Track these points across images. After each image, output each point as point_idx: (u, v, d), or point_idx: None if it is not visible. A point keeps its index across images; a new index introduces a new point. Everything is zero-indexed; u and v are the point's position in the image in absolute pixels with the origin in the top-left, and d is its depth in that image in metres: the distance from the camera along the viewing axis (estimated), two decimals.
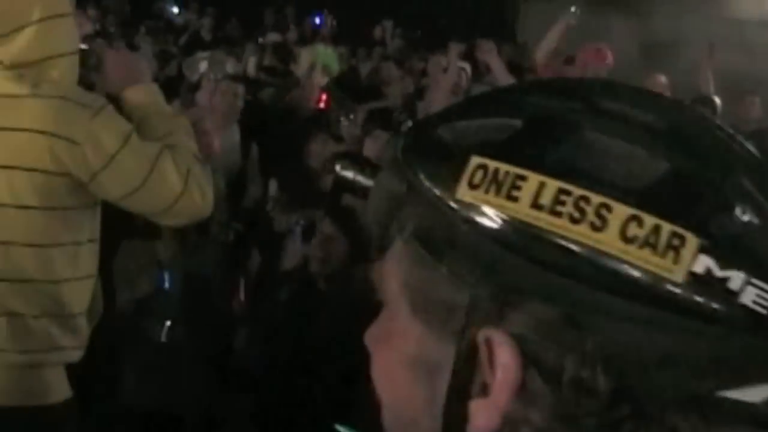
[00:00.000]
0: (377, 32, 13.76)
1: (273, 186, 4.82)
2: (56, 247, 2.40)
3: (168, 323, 4.07)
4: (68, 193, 2.38)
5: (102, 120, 2.38)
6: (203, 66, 7.75)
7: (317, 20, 14.50)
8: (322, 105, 7.63)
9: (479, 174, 0.70)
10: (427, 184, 0.73)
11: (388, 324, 0.79)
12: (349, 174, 0.96)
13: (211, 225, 4.28)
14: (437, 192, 0.72)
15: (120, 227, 3.63)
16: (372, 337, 0.83)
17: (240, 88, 6.57)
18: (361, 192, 0.92)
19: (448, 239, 0.71)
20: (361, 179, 0.94)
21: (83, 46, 7.37)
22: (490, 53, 6.59)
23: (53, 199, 2.36)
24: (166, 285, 4.14)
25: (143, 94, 2.61)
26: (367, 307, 2.65)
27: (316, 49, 9.85)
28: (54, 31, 2.45)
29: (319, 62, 8.39)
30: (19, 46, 2.40)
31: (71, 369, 2.53)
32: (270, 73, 9.33)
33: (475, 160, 0.71)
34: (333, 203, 4.35)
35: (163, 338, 4.07)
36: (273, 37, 11.27)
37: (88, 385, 2.79)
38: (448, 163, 0.72)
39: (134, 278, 4.15)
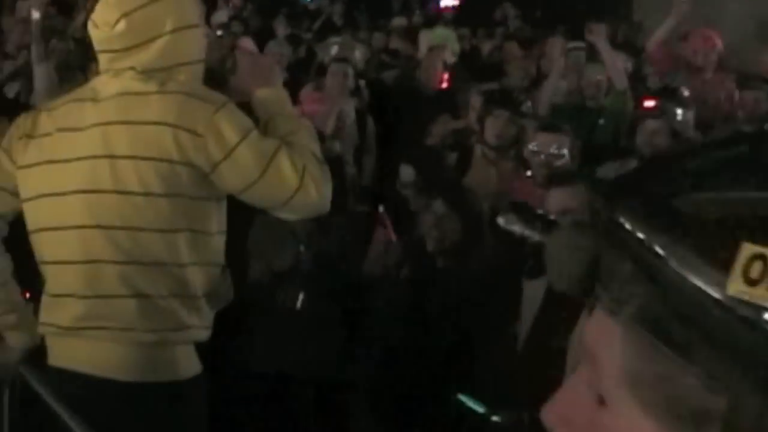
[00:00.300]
0: (498, 14, 13.75)
1: (406, 171, 4.88)
2: (182, 233, 2.50)
3: (302, 294, 4.20)
4: (192, 183, 2.48)
5: (224, 115, 2.48)
6: (334, 50, 7.97)
7: (441, 3, 14.72)
8: (444, 85, 7.69)
9: (757, 266, 0.58)
10: (676, 269, 0.61)
11: (592, 412, 0.68)
12: (515, 229, 0.82)
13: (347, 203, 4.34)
14: (697, 283, 0.60)
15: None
16: (562, 419, 0.70)
17: (349, 69, 6.70)
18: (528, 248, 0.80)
19: (707, 336, 0.60)
20: (530, 234, 0.80)
21: (219, 33, 7.61)
22: (598, 36, 6.58)
23: (178, 188, 2.47)
24: (302, 258, 4.26)
25: (271, 95, 2.69)
26: (485, 285, 2.89)
27: (436, 31, 9.93)
28: (184, 42, 2.62)
29: (439, 43, 8.47)
30: (150, 54, 2.57)
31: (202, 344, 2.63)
32: (393, 55, 9.52)
33: (749, 249, 0.59)
34: (447, 183, 4.54)
35: (298, 306, 4.20)
36: (399, 21, 11.39)
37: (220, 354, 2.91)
38: (707, 248, 0.60)
39: (270, 252, 4.29)
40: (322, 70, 7.32)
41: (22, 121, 2.69)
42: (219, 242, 2.63)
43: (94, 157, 2.50)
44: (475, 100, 5.99)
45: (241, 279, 4.22)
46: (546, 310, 3.50)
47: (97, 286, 2.53)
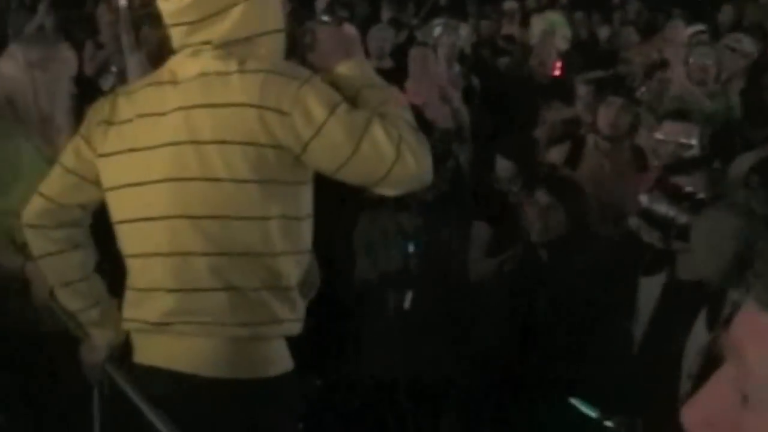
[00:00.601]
0: None
1: (503, 164, 4.81)
2: (273, 220, 2.41)
3: (410, 292, 4.15)
4: (282, 166, 2.39)
5: (309, 90, 2.38)
6: (437, 31, 7.80)
7: None
8: (557, 72, 7.58)
9: None
10: None
11: (736, 413, 0.64)
12: (660, 208, 0.75)
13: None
14: None
15: (362, 198, 3.82)
16: (705, 421, 0.67)
17: (429, 53, 6.58)
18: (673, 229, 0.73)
19: None
20: (676, 215, 0.72)
21: (324, 18, 7.59)
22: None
23: (268, 172, 2.38)
24: (410, 255, 4.21)
25: (355, 67, 2.58)
26: (594, 281, 2.81)
27: (548, 16, 9.77)
28: (260, 10, 2.50)
29: (552, 29, 8.33)
30: (226, 25, 2.45)
31: (293, 340, 2.57)
32: (508, 40, 9.33)
33: None
34: (549, 172, 4.42)
35: (407, 306, 4.14)
36: (510, 5, 10.97)
37: (323, 354, 2.85)
38: None
39: (376, 248, 4.24)
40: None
41: (100, 107, 2.62)
42: (308, 227, 2.54)
43: (178, 143, 2.42)
44: (581, 89, 5.91)
45: (347, 278, 4.30)
46: (664, 309, 3.39)
47: (185, 279, 2.44)
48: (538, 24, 9.21)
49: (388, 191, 2.48)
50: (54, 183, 2.66)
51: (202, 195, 2.40)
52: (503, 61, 8.40)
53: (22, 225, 2.70)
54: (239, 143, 2.36)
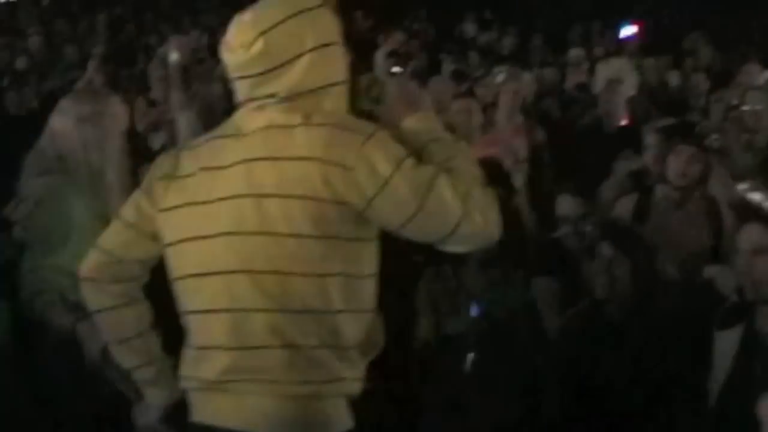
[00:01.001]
0: (686, 43, 13.17)
1: (567, 203, 4.78)
2: (334, 277, 2.39)
3: (472, 354, 4.09)
4: (345, 223, 2.38)
5: (374, 145, 2.38)
6: (500, 78, 7.76)
7: (624, 32, 14.41)
8: (625, 121, 7.49)
9: None
10: None
11: None
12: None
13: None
14: None
15: (423, 255, 3.79)
16: None
17: (474, 104, 6.51)
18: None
19: None
20: None
21: (395, 69, 7.52)
22: None
23: (329, 228, 2.37)
24: (473, 315, 4.17)
25: (422, 121, 2.58)
26: (666, 336, 2.79)
27: (614, 62, 9.71)
28: (326, 61, 2.50)
29: (618, 76, 8.27)
30: (293, 77, 2.45)
31: (354, 399, 2.53)
32: (581, 89, 9.27)
33: None
34: (613, 222, 4.43)
35: (468, 369, 4.09)
36: (577, 52, 11.07)
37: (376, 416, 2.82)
38: None
39: (438, 307, 4.21)
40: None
41: (162, 161, 2.64)
42: (371, 286, 2.50)
43: (239, 196, 2.42)
44: (650, 137, 5.78)
45: (408, 338, 4.26)
46: (742, 364, 3.35)
47: (244, 337, 2.42)
48: (604, 71, 9.15)
49: (455, 248, 2.46)
50: (113, 237, 2.67)
51: (262, 250, 2.39)
52: (570, 111, 8.32)
53: (79, 280, 2.69)
54: (301, 198, 2.35)
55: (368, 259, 2.47)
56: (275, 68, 2.45)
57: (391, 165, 2.35)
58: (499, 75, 7.86)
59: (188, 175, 2.53)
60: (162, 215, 2.56)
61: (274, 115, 2.46)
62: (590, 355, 3.86)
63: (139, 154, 3.25)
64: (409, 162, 2.38)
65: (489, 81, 8.14)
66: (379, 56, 9.03)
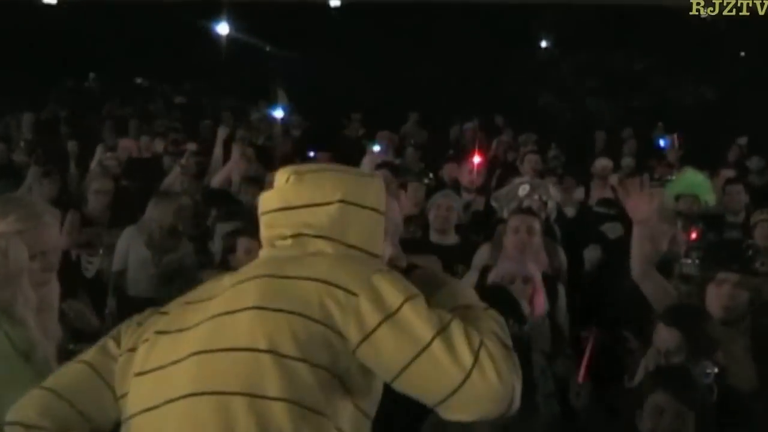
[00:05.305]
0: (732, 153, 13.52)
1: (667, 334, 4.70)
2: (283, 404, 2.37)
3: None
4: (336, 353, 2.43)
5: (384, 276, 2.48)
6: (523, 191, 7.73)
7: (661, 142, 14.64)
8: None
9: None
10: None
11: None
12: None
13: None
14: None
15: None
16: None
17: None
18: None
19: None
20: None
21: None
22: None
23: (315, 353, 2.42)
24: None
25: (451, 291, 2.68)
26: None
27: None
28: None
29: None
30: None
31: None
32: (606, 205, 9.24)
33: None
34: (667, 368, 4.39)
35: None
36: (603, 162, 11.09)
37: None
38: None
39: None
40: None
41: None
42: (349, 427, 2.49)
43: (218, 315, 2.54)
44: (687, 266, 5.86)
45: None
46: None
47: None
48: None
49: (460, 416, 2.42)
50: (65, 377, 2.67)
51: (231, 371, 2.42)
52: (607, 227, 8.36)
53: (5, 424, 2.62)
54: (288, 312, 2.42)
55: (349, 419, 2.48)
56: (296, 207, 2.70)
57: (402, 296, 2.42)
58: (523, 186, 7.75)
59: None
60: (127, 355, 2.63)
61: (284, 250, 2.69)
62: None
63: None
64: (421, 299, 2.45)
65: (509, 192, 7.96)
66: (366, 162, 9.09)
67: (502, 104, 17.76)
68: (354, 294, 2.42)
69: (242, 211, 7.66)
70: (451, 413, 2.41)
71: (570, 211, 9.20)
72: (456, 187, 9.50)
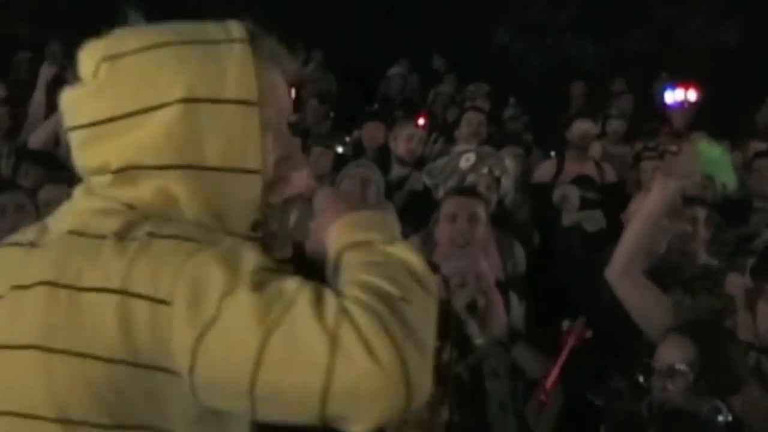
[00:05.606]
0: (761, 117, 14.03)
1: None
2: None
3: None
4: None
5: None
6: (465, 162, 7.85)
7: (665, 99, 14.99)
8: None
9: None
10: None
11: None
12: None
13: None
14: None
15: None
16: None
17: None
18: None
19: None
20: None
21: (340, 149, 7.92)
22: None
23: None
24: None
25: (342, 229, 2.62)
26: None
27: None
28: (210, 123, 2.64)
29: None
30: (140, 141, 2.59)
31: None
32: (585, 185, 9.90)
33: None
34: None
35: None
36: (583, 125, 11.25)
37: None
38: None
39: None
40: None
41: None
42: None
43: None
44: (734, 278, 5.98)
45: None
46: None
47: None
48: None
49: (349, 423, 2.32)
50: None
51: None
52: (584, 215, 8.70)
53: None
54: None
55: None
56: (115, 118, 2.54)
57: (219, 288, 2.31)
58: (466, 156, 8.02)
59: None
60: None
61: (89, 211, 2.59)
62: None
63: None
64: (255, 277, 2.34)
65: (449, 163, 8.26)
66: None
67: (443, 42, 17.93)
68: (163, 302, 2.32)
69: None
70: (343, 425, 2.34)
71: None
72: (383, 157, 10.11)
